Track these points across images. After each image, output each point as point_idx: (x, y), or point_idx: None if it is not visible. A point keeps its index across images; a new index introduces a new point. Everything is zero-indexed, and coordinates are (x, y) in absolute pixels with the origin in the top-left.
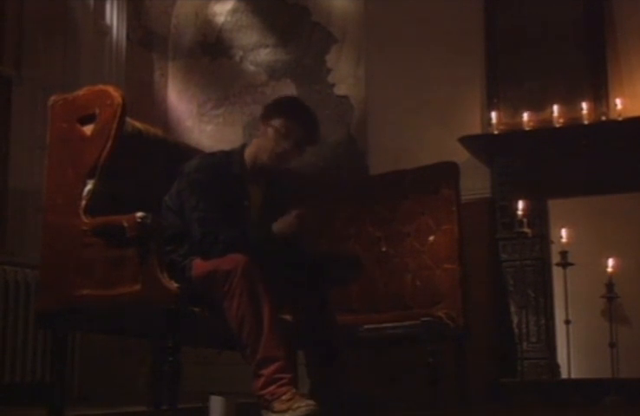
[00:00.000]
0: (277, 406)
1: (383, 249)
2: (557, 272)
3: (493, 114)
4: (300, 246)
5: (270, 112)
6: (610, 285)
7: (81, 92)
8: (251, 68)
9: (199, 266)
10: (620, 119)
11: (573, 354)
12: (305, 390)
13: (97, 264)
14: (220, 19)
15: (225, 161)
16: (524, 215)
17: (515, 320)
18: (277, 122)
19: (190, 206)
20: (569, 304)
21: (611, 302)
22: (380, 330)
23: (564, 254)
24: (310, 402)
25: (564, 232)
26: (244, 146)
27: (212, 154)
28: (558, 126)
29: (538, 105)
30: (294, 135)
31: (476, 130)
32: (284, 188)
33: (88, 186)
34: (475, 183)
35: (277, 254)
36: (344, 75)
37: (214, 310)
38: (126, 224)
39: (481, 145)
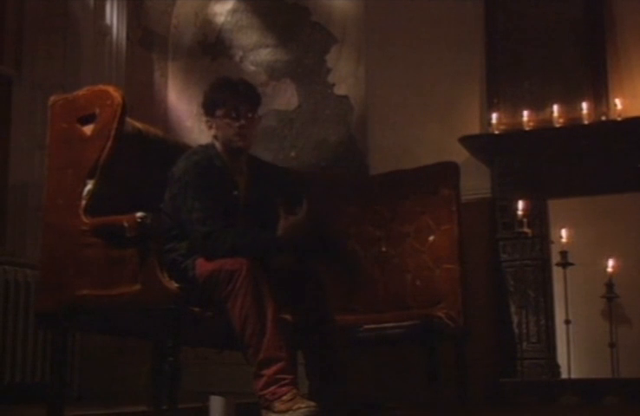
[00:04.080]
0: (277, 406)
1: (383, 249)
2: (557, 272)
3: (493, 114)
4: (326, 237)
5: (208, 108)
6: (610, 285)
7: (81, 92)
8: (251, 67)
9: (202, 265)
10: (620, 119)
11: (573, 354)
12: (305, 390)
13: (97, 264)
14: (220, 19)
15: (207, 155)
16: (524, 215)
17: (515, 320)
18: (220, 112)
19: (186, 209)
20: (569, 304)
21: (611, 302)
22: (380, 330)
23: (564, 254)
24: (311, 403)
25: (564, 232)
26: (213, 142)
27: (194, 152)
28: (558, 126)
29: (538, 105)
30: (239, 109)
31: (476, 130)
32: (269, 175)
33: (88, 186)
34: (475, 183)
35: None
36: (344, 75)
37: (216, 310)
38: (126, 224)
39: (481, 145)
